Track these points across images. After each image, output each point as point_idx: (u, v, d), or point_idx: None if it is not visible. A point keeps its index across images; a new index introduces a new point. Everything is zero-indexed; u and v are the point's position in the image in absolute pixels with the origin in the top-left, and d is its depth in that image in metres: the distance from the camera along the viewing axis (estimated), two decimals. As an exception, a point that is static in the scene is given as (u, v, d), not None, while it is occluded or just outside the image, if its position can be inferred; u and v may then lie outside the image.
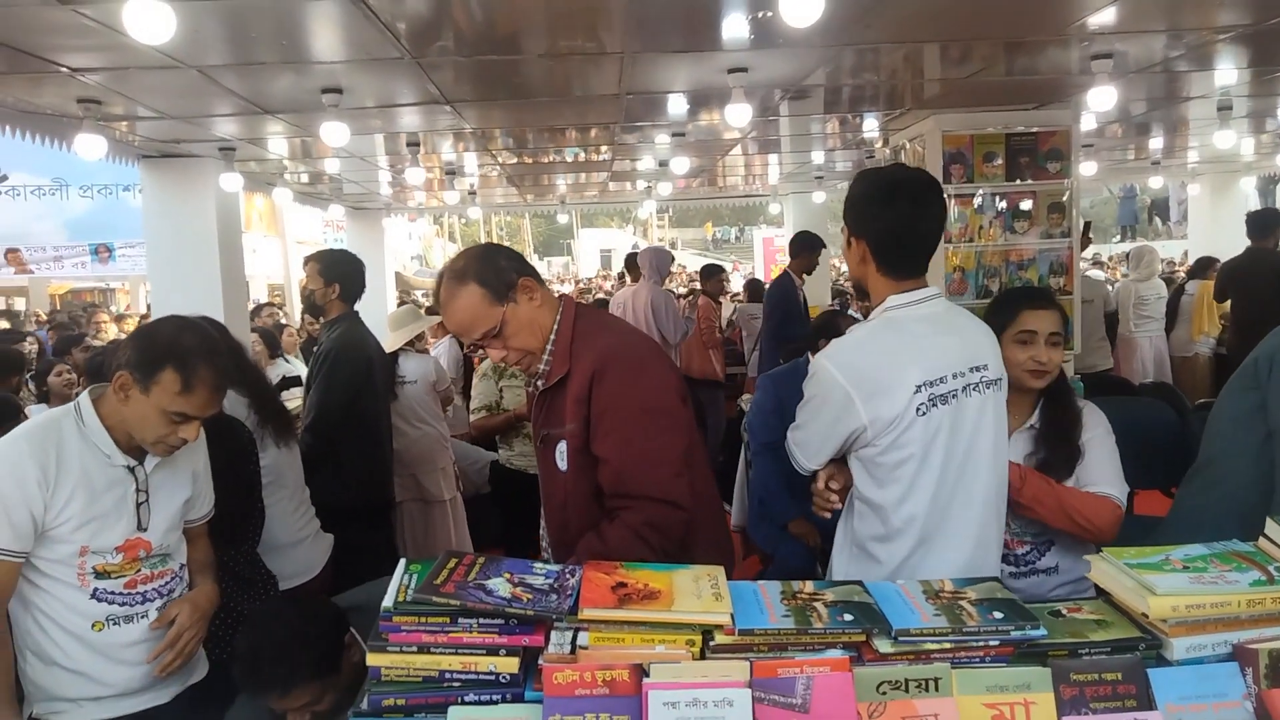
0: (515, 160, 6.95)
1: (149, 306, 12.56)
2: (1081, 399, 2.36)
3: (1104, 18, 3.46)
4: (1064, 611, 1.64)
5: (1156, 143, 7.83)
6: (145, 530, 2.02)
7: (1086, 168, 8.15)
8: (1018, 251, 4.99)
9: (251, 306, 9.17)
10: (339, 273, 3.72)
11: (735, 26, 3.21)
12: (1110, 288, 8.20)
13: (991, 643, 1.50)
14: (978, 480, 1.96)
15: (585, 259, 34.63)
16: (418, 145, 5.53)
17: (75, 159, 5.10)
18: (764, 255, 19.07)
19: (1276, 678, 1.47)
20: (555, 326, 2.04)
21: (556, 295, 2.13)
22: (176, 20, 2.40)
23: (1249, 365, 1.97)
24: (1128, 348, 7.59)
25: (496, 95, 4.34)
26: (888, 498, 1.94)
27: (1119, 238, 24.24)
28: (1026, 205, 5.01)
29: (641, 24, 3.12)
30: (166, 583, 2.10)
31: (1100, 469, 2.23)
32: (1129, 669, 1.48)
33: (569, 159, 6.94)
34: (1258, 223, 6.56)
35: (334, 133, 3.88)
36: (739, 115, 3.70)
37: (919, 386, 1.89)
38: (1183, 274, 9.68)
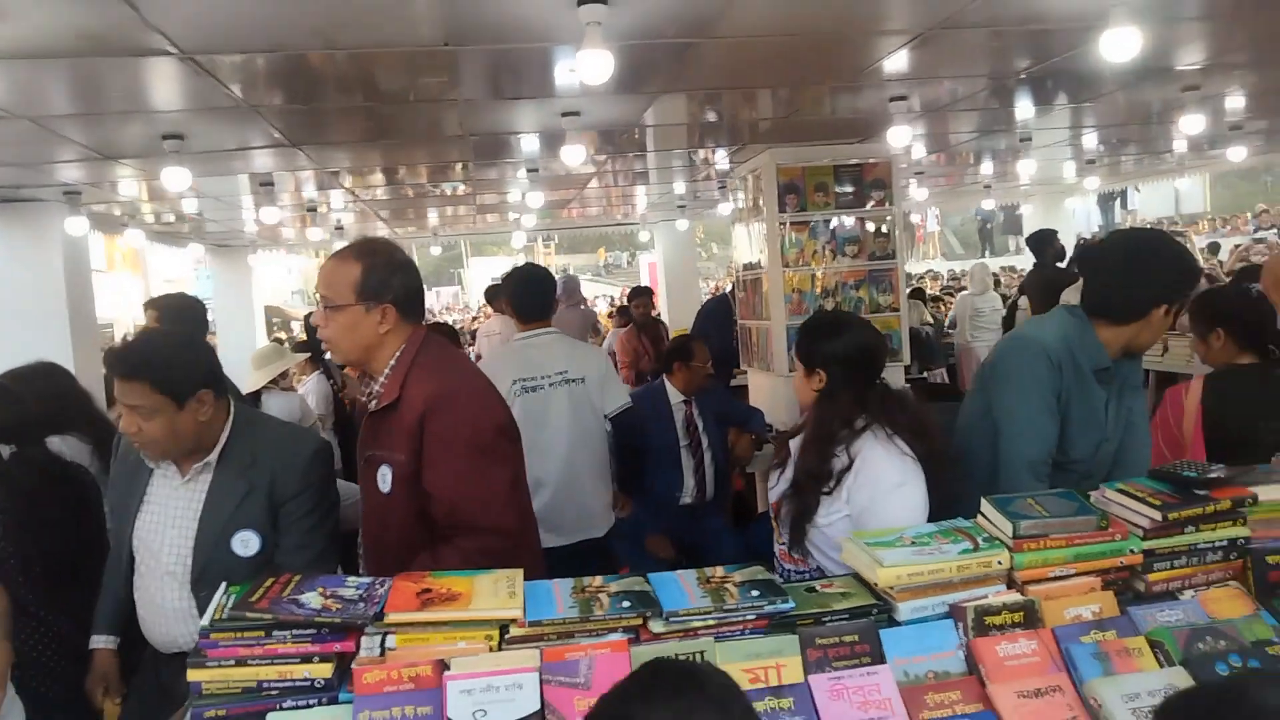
0: (376, 197, 7.04)
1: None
2: (884, 445, 2.17)
3: (898, 64, 3.87)
4: (817, 588, 1.91)
5: (986, 168, 8.57)
6: None
7: (918, 193, 8.81)
8: (849, 274, 5.42)
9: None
10: (172, 317, 3.74)
11: (561, 75, 3.46)
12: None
13: (748, 617, 1.74)
14: (561, 430, 3.46)
15: (476, 287, 34.50)
16: (271, 185, 5.57)
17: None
18: (651, 281, 19.67)
19: (982, 629, 1.76)
20: (397, 354, 2.14)
21: (415, 329, 2.19)
22: (3, 77, 2.46)
23: (978, 370, 2.32)
24: (967, 356, 8.23)
25: (342, 138, 4.46)
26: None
27: (983, 253, 25.91)
28: (854, 231, 5.46)
29: (471, 73, 3.34)
30: None
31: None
32: (864, 631, 1.75)
33: (433, 194, 7.08)
34: (1034, 243, 6.89)
35: (175, 177, 3.92)
36: (574, 155, 3.96)
37: (514, 381, 3.40)
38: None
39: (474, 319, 19.09)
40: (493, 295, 7.08)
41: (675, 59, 3.33)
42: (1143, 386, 2.49)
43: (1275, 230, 17.03)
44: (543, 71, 3.36)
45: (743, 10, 2.77)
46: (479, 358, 7.18)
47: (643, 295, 7.50)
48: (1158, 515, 1.87)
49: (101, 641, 2.27)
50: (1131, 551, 1.87)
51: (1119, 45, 2.74)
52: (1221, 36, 3.81)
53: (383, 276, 2.09)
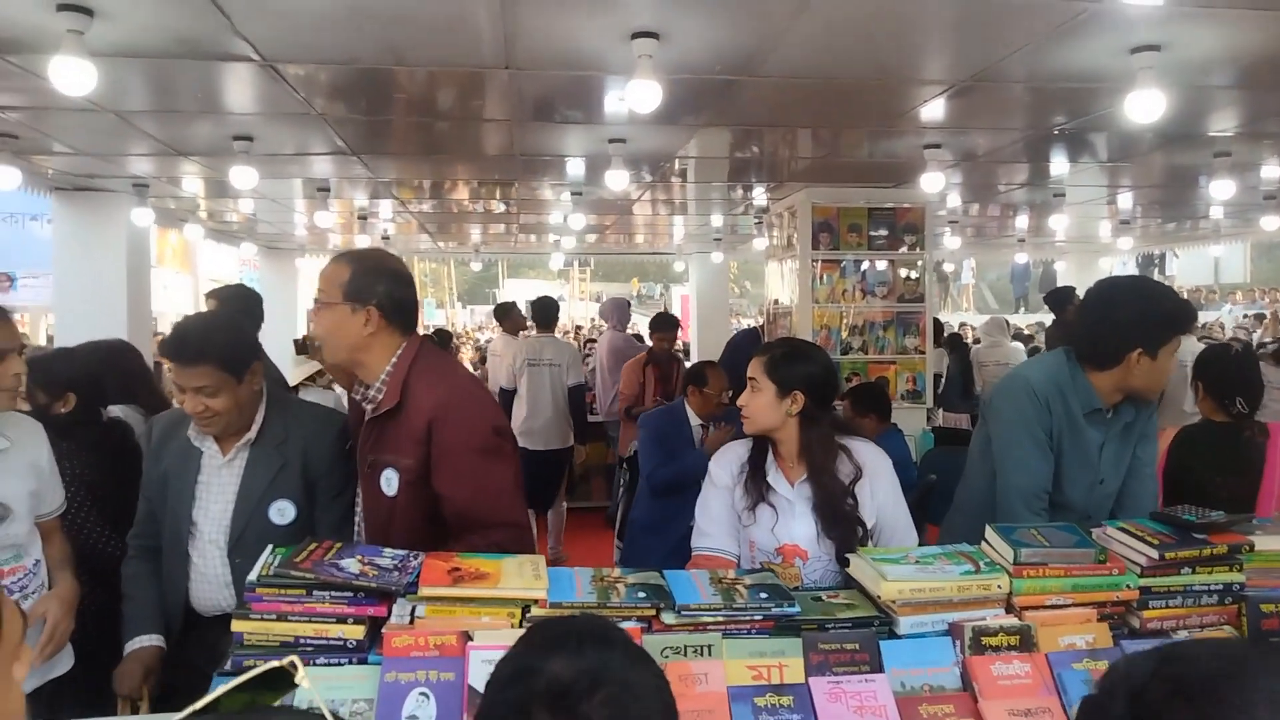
0: (426, 209, 7.29)
1: (50, 338, 12.25)
2: (860, 440, 2.37)
3: (934, 112, 4.00)
4: (824, 597, 2.00)
5: (1021, 221, 8.63)
6: None
7: (950, 241, 8.89)
8: (877, 314, 5.53)
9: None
10: (233, 308, 3.95)
11: (610, 103, 3.64)
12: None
13: (756, 617, 1.84)
14: (545, 390, 6.01)
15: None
16: (328, 190, 5.81)
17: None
18: (683, 314, 19.65)
19: (979, 647, 1.85)
20: (393, 360, 2.22)
21: (410, 338, 2.26)
22: (98, 74, 2.66)
23: (981, 406, 2.41)
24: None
25: (399, 150, 4.68)
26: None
27: (1020, 309, 25.87)
28: (885, 273, 5.58)
29: (523, 97, 3.52)
30: (19, 579, 2.16)
31: (898, 531, 2.30)
32: (865, 640, 1.83)
33: (479, 210, 7.31)
34: (1053, 300, 6.72)
35: (242, 176, 4.14)
36: (617, 181, 4.13)
37: (524, 361, 6.07)
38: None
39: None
40: (502, 314, 7.31)
41: (719, 94, 3.48)
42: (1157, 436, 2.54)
43: (1315, 305, 16.81)
44: (594, 98, 3.53)
45: (787, 52, 2.92)
46: (481, 367, 9.29)
47: (666, 329, 6.26)
48: (1155, 554, 1.94)
49: (153, 640, 2.29)
50: (1128, 587, 1.94)
51: (1144, 107, 2.84)
52: (1254, 105, 3.90)
53: (369, 280, 2.19)
